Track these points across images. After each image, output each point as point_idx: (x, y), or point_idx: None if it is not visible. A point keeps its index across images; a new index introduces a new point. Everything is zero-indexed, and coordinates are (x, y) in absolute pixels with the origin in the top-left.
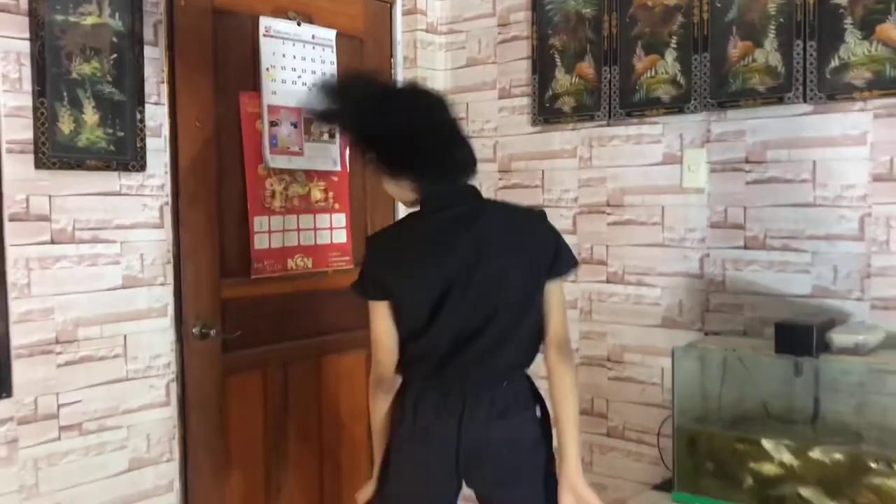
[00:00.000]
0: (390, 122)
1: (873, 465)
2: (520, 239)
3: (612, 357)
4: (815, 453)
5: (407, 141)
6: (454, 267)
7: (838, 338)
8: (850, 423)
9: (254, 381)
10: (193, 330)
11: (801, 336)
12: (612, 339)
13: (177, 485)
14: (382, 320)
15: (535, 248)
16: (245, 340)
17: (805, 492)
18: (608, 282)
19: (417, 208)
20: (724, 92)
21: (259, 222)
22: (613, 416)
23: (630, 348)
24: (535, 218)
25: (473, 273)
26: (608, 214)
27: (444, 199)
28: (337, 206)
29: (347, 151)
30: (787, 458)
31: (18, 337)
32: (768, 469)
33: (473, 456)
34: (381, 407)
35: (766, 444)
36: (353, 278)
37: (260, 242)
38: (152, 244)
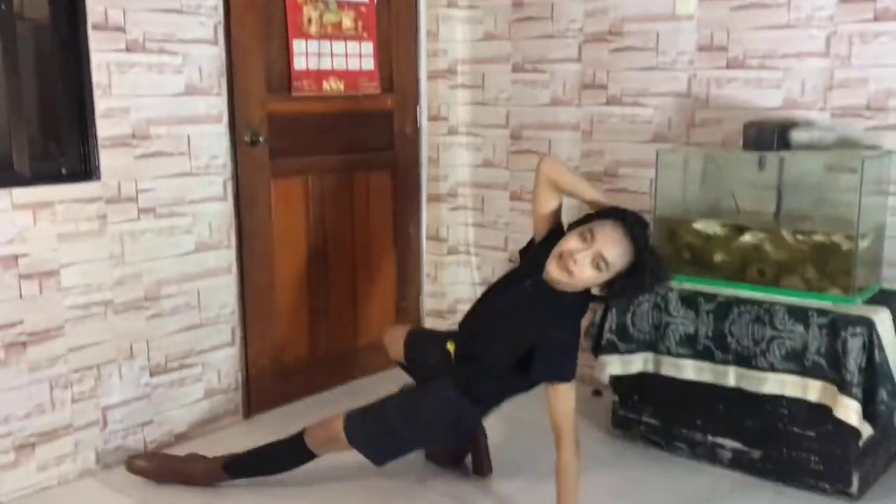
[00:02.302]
0: None
1: (798, 236)
2: None
3: (608, 172)
4: (748, 235)
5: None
6: None
7: (797, 135)
8: (805, 209)
9: (296, 185)
10: (245, 136)
11: (764, 133)
12: (609, 155)
13: (234, 268)
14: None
15: None
16: (288, 150)
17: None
18: (607, 104)
19: None
20: None
21: (298, 45)
22: None
23: (624, 163)
24: None
25: None
26: (610, 42)
27: None
28: (365, 34)
29: None
30: (745, 237)
31: (103, 129)
32: (727, 248)
33: None
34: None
35: (698, 224)
36: (382, 102)
37: (299, 63)
38: (208, 58)
